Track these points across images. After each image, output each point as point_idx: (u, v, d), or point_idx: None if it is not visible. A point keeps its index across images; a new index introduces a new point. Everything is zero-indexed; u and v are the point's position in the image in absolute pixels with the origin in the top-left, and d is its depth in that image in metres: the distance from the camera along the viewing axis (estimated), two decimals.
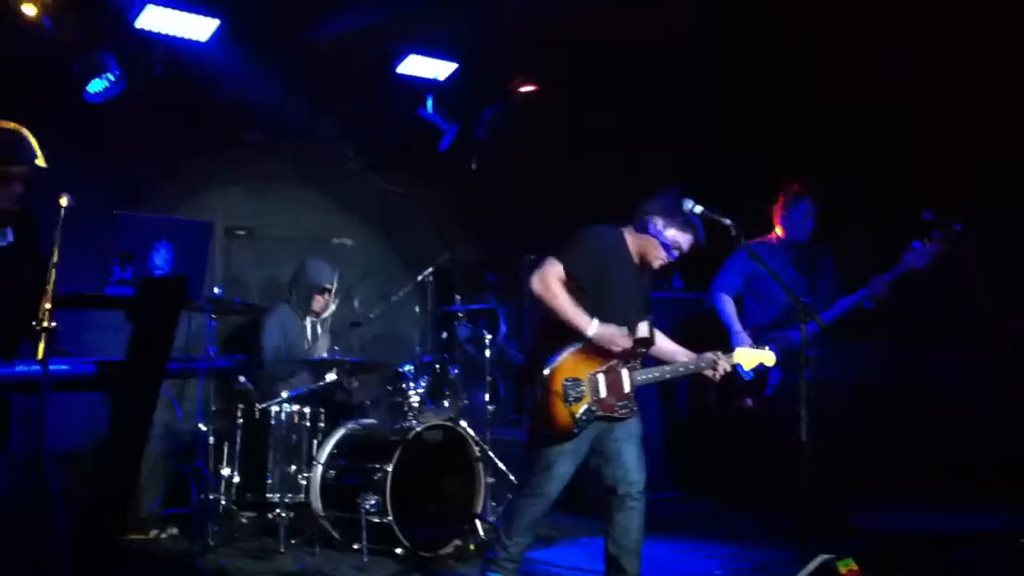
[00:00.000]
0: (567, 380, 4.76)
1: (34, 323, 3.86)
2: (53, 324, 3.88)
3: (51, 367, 3.94)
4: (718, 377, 5.05)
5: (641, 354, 4.96)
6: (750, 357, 5.14)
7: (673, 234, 4.92)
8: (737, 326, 6.56)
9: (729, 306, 6.64)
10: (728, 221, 4.94)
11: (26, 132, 4.51)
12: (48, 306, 3.87)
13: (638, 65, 7.63)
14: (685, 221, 4.92)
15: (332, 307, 7.09)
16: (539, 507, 4.90)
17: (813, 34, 7.02)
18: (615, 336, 4.77)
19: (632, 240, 5.01)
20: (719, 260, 6.75)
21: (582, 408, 4.76)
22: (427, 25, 7.31)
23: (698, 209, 4.92)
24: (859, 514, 6.51)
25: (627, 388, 4.87)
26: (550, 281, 4.77)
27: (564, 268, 4.82)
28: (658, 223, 4.93)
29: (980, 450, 7.48)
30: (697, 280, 8.02)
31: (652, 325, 5.03)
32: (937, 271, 6.26)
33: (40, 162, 4.47)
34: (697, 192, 4.99)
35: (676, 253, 4.97)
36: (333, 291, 7.05)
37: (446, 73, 7.82)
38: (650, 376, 4.96)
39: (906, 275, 6.20)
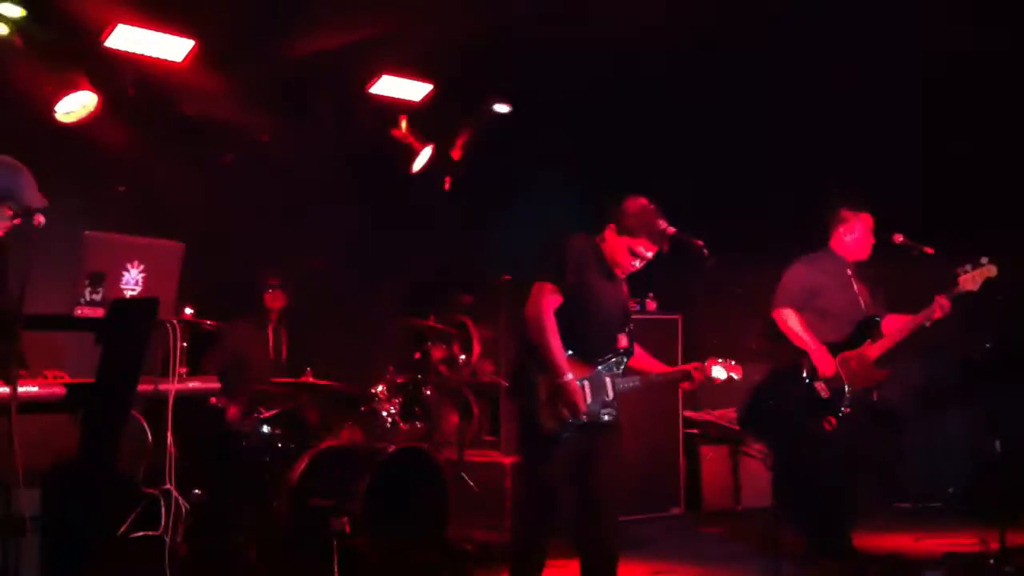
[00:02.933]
0: (555, 387, 4.78)
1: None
2: None
3: (20, 389, 3.91)
4: (695, 386, 5.12)
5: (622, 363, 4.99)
6: (723, 371, 5.09)
7: (636, 242, 4.90)
8: (814, 342, 6.20)
9: (795, 322, 6.33)
10: (700, 242, 4.96)
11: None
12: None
13: (619, 82, 7.69)
14: (650, 230, 4.89)
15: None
16: (540, 518, 4.90)
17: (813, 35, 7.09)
18: (576, 401, 4.74)
19: (603, 249, 5.01)
20: (690, 281, 6.69)
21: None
22: (402, 46, 7.32)
23: (671, 230, 4.94)
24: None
25: (611, 394, 4.90)
26: (543, 311, 4.78)
27: (552, 283, 4.83)
28: (624, 232, 4.92)
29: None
30: (670, 301, 8.09)
31: (631, 336, 5.05)
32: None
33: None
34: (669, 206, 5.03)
35: (640, 262, 4.96)
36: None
37: (421, 94, 7.83)
38: (630, 384, 4.99)
39: (961, 296, 6.05)
